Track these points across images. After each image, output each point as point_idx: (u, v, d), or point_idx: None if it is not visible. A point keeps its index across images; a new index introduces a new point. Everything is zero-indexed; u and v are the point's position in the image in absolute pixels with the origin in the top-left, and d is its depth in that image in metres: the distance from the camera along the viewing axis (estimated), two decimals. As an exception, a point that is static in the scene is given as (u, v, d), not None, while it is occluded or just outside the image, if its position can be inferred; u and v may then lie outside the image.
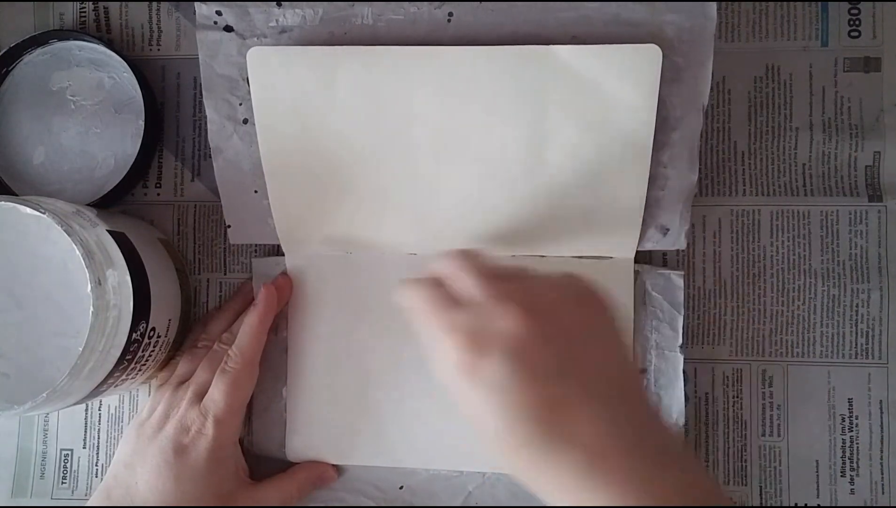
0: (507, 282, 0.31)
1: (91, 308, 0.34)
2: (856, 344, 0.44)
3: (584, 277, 0.31)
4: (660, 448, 0.28)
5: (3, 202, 0.36)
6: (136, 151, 0.45)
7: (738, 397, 0.44)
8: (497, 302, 0.29)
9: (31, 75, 0.46)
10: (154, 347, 0.41)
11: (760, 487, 0.44)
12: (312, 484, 0.44)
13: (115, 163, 0.46)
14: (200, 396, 0.41)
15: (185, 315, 0.45)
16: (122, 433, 0.46)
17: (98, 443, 0.47)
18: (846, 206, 0.44)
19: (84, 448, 0.47)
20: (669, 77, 0.41)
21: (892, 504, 0.43)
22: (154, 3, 0.47)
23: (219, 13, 0.43)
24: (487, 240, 0.44)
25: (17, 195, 0.45)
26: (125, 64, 0.45)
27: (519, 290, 0.30)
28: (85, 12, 0.47)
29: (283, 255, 0.45)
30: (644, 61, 0.39)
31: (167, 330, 0.42)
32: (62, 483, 0.47)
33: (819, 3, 0.44)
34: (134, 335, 0.38)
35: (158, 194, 0.47)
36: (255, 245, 0.47)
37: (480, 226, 0.43)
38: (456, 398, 0.29)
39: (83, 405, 0.47)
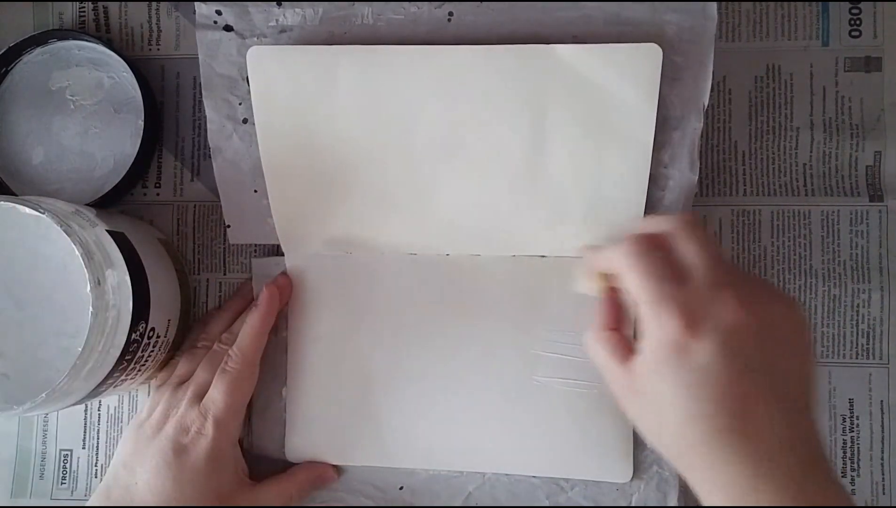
0: (726, 266, 0.31)
1: (90, 308, 0.34)
2: (856, 344, 0.44)
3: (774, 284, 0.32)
4: (818, 457, 0.29)
5: (2, 202, 0.36)
6: (136, 150, 0.44)
7: (738, 397, 0.44)
8: (718, 286, 0.30)
9: (30, 75, 0.46)
10: (153, 347, 0.40)
11: (761, 487, 0.44)
12: (312, 485, 0.44)
13: (115, 163, 0.46)
14: (200, 396, 0.41)
15: (184, 315, 0.44)
16: (121, 433, 0.46)
17: (97, 444, 0.47)
18: (847, 206, 0.44)
19: (83, 448, 0.47)
20: (670, 76, 0.41)
21: (893, 505, 0.43)
22: (153, 3, 0.47)
23: (218, 13, 0.42)
24: (487, 240, 0.44)
25: (16, 195, 0.45)
26: (124, 64, 0.45)
27: (737, 278, 0.31)
28: (84, 12, 0.47)
29: (282, 255, 0.45)
30: (644, 61, 0.39)
31: (166, 330, 0.42)
32: (62, 483, 0.47)
33: (820, 3, 0.44)
34: (133, 335, 0.37)
35: (158, 194, 0.47)
36: (255, 245, 0.46)
37: (480, 225, 0.43)
38: (647, 370, 0.30)
39: (82, 406, 0.47)
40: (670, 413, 0.30)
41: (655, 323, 0.30)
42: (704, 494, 0.30)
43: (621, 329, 0.34)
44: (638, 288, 0.31)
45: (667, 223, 0.33)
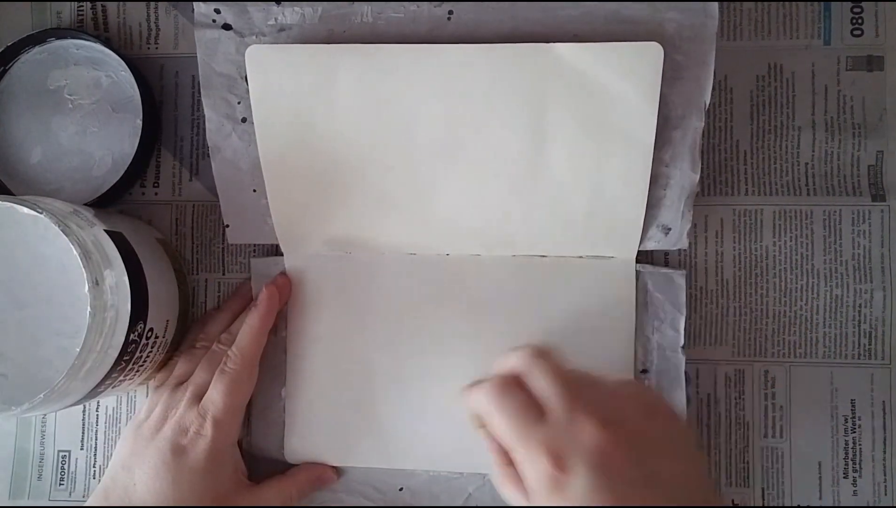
0: (580, 389, 0.32)
1: (88, 308, 0.34)
2: (858, 345, 0.44)
3: (647, 386, 0.33)
4: None
5: (0, 202, 0.36)
6: (134, 150, 0.44)
7: (740, 398, 0.44)
8: (576, 414, 0.30)
9: (28, 74, 0.46)
10: (152, 347, 0.40)
11: (763, 488, 0.44)
12: (312, 486, 0.44)
13: (113, 162, 0.45)
14: (199, 397, 0.40)
15: (183, 316, 0.44)
16: (119, 434, 0.46)
17: (96, 444, 0.47)
18: (849, 205, 0.44)
19: (82, 449, 0.47)
20: (671, 75, 0.41)
21: (894, 505, 0.43)
22: (152, 2, 0.46)
23: (217, 11, 0.42)
24: (487, 240, 0.43)
25: (14, 195, 0.45)
26: (123, 63, 0.44)
27: (594, 400, 0.31)
28: (83, 11, 0.47)
29: (281, 255, 0.45)
30: (645, 59, 0.39)
31: (165, 331, 0.42)
32: (60, 484, 0.47)
33: (822, 2, 0.44)
34: (132, 335, 0.37)
35: (156, 194, 0.47)
36: (254, 245, 0.46)
37: (480, 225, 0.43)
38: None
39: (81, 406, 0.47)
40: None
41: (528, 465, 0.30)
42: None
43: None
44: (504, 432, 0.31)
45: (517, 360, 0.33)
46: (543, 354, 0.33)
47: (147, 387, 0.45)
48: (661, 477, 0.30)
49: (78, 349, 0.34)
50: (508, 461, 0.33)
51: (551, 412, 0.31)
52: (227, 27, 0.43)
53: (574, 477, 0.29)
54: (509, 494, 0.33)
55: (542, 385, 0.32)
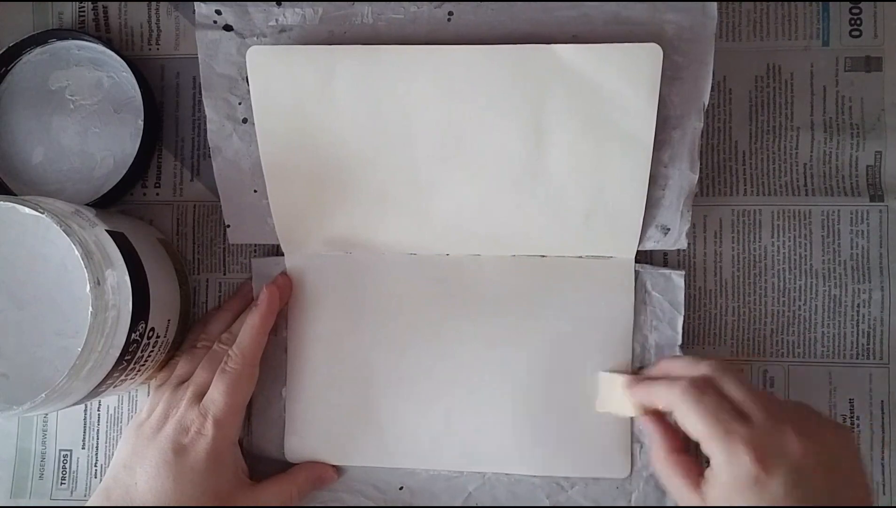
0: (772, 400, 0.35)
1: (90, 308, 0.34)
2: (857, 344, 0.44)
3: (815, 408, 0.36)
4: None
5: (1, 202, 0.36)
6: (136, 150, 0.44)
7: (738, 397, 0.44)
8: (778, 422, 0.33)
9: (30, 75, 0.46)
10: (153, 347, 0.40)
11: (761, 487, 0.44)
12: (312, 485, 0.44)
13: (115, 163, 0.45)
14: (200, 396, 0.41)
15: (184, 316, 0.44)
16: (121, 433, 0.46)
17: (97, 444, 0.47)
18: (847, 205, 0.44)
19: (83, 448, 0.47)
20: (670, 76, 0.41)
21: (893, 505, 0.43)
22: (153, 3, 0.47)
23: (218, 12, 0.42)
24: (487, 240, 0.44)
25: (15, 195, 0.45)
26: (124, 63, 0.44)
27: (788, 412, 0.34)
28: (84, 12, 0.47)
29: (282, 255, 0.45)
30: (645, 60, 0.39)
31: (166, 330, 0.42)
32: (61, 483, 0.47)
33: (820, 3, 0.44)
34: (133, 335, 0.37)
35: (157, 194, 0.47)
36: (255, 245, 0.46)
37: (480, 225, 0.43)
38: (722, 503, 0.33)
39: (82, 406, 0.47)
40: None
41: (726, 458, 0.33)
42: None
43: (688, 452, 0.37)
44: (703, 424, 0.34)
45: (707, 368, 0.36)
46: (729, 367, 0.36)
47: (148, 387, 0.45)
48: (841, 491, 0.33)
49: (79, 349, 0.34)
50: (678, 448, 0.37)
51: (754, 417, 0.33)
52: (228, 28, 0.43)
53: (774, 479, 0.32)
54: (676, 481, 0.36)
55: (739, 393, 0.35)
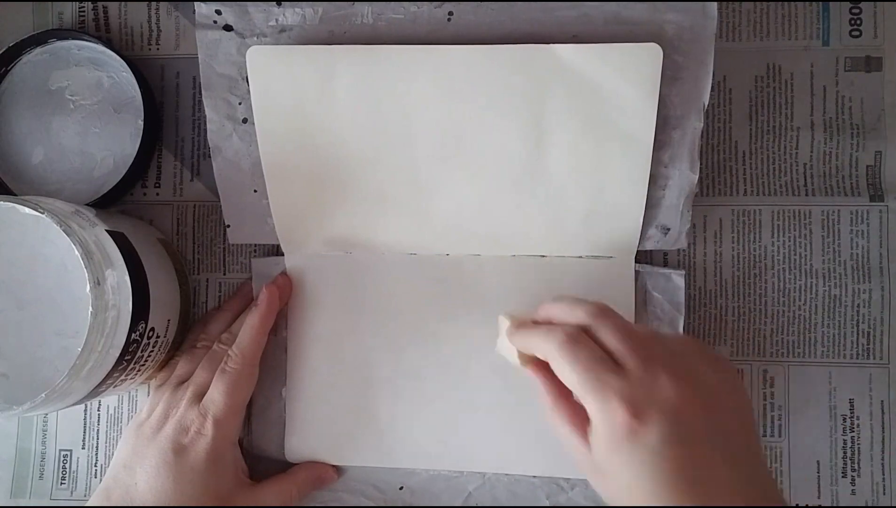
0: (650, 345, 0.33)
1: (90, 308, 0.34)
2: (857, 345, 0.44)
3: (701, 341, 0.35)
4: (776, 497, 0.32)
5: (2, 202, 0.36)
6: (136, 150, 0.44)
7: (738, 397, 0.44)
8: (650, 369, 0.32)
9: (30, 75, 0.46)
10: (153, 347, 0.40)
11: (761, 487, 0.44)
12: (312, 485, 0.44)
13: (115, 163, 0.45)
14: (200, 396, 0.41)
15: (184, 315, 0.44)
16: (121, 433, 0.46)
17: (97, 444, 0.47)
18: (847, 205, 0.44)
19: (83, 448, 0.47)
20: (670, 76, 0.41)
21: (893, 505, 0.43)
22: (153, 3, 0.47)
23: (218, 12, 0.42)
24: (487, 240, 0.44)
25: (15, 195, 0.45)
26: (124, 63, 0.44)
27: (663, 355, 0.33)
28: (84, 12, 0.47)
29: (282, 255, 0.45)
30: (645, 60, 0.39)
31: (166, 330, 0.42)
32: (61, 483, 0.47)
33: (820, 3, 0.44)
34: (133, 335, 0.37)
35: (157, 194, 0.47)
36: (255, 245, 0.46)
37: (480, 225, 0.43)
38: (604, 456, 0.32)
39: (82, 406, 0.47)
40: (633, 492, 0.31)
41: (602, 413, 0.32)
42: None
43: (571, 397, 0.36)
44: (578, 379, 0.32)
45: (583, 314, 0.35)
46: (608, 312, 0.35)
47: (148, 386, 0.45)
48: (723, 429, 0.31)
49: (79, 349, 0.34)
50: (565, 394, 0.35)
51: (627, 366, 0.32)
52: (228, 28, 0.43)
53: (650, 427, 0.31)
54: (564, 429, 0.35)
55: (613, 341, 0.33)
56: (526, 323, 0.37)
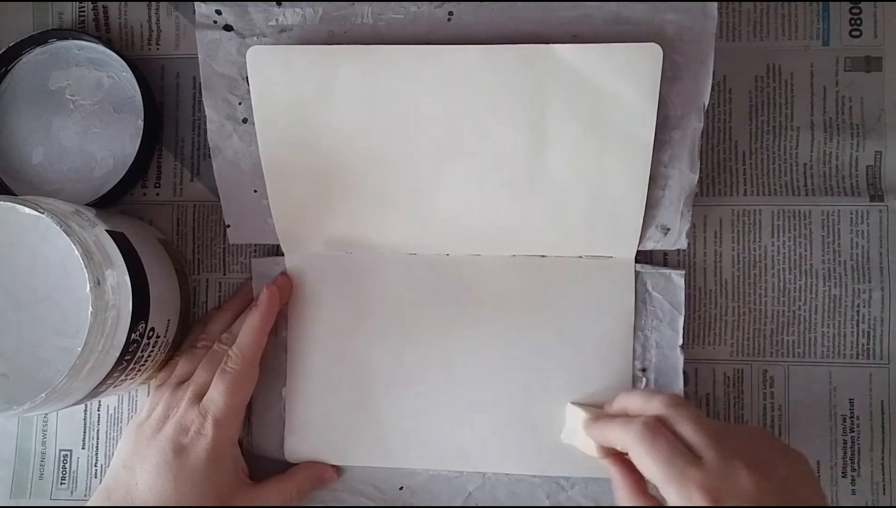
0: (725, 437, 0.34)
1: (90, 308, 0.34)
2: (857, 344, 0.44)
3: (768, 430, 0.36)
4: None
5: (1, 202, 0.36)
6: (136, 150, 0.44)
7: (738, 397, 0.44)
8: (727, 460, 0.33)
9: (30, 75, 0.46)
10: (153, 347, 0.40)
11: (761, 487, 0.44)
12: (312, 485, 0.44)
13: (115, 163, 0.46)
14: (200, 396, 0.41)
15: (184, 316, 0.44)
16: (121, 433, 0.46)
17: (97, 444, 0.47)
18: (847, 205, 0.44)
19: (83, 448, 0.47)
20: (670, 76, 0.41)
21: (893, 505, 0.43)
22: (153, 3, 0.47)
23: (218, 12, 0.42)
24: (487, 240, 0.44)
25: (15, 195, 0.45)
26: (124, 63, 0.44)
27: (739, 447, 0.34)
28: (84, 12, 0.47)
29: (282, 255, 0.45)
30: (645, 60, 0.39)
31: (166, 330, 0.42)
32: (61, 483, 0.47)
33: (820, 3, 0.44)
34: (133, 335, 0.37)
35: (158, 194, 0.47)
36: (255, 245, 0.46)
37: (481, 225, 0.43)
38: None
39: (82, 406, 0.47)
40: None
41: (683, 503, 0.33)
42: None
43: (647, 492, 0.37)
44: (658, 469, 0.33)
45: (660, 404, 0.36)
46: (683, 402, 0.36)
47: (148, 387, 0.45)
48: None
49: (79, 349, 0.34)
50: (642, 490, 0.37)
51: (705, 457, 0.33)
52: (228, 28, 0.43)
53: None
54: None
55: (690, 432, 0.34)
56: (603, 416, 0.39)
